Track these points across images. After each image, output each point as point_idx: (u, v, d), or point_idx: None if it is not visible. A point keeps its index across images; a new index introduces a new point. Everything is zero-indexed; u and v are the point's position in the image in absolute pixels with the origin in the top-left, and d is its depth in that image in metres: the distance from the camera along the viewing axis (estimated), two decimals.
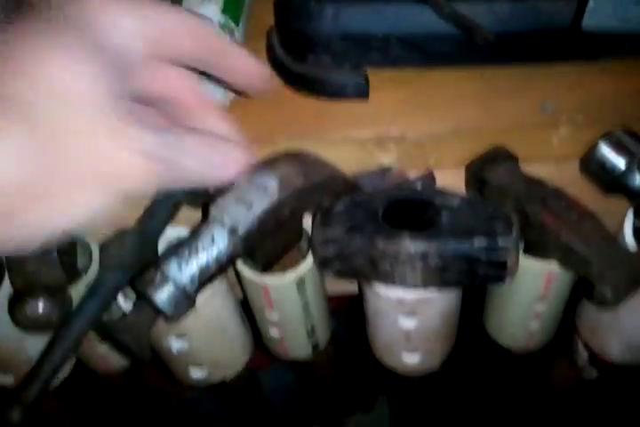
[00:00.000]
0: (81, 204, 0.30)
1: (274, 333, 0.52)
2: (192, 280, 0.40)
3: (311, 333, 0.53)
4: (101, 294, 0.45)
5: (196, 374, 0.54)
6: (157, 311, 0.40)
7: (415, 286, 0.44)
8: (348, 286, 0.55)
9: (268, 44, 0.55)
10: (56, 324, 0.43)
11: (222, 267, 0.41)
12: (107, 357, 0.54)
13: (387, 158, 0.53)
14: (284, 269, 0.47)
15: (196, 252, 0.41)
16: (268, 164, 0.44)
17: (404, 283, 0.44)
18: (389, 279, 0.44)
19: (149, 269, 0.41)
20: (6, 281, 0.47)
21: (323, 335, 0.55)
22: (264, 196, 0.42)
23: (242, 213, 0.41)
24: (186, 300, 0.40)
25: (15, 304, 0.42)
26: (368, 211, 0.43)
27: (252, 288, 0.47)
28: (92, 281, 0.47)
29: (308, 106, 0.53)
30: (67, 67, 0.29)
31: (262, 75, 0.40)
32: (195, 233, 0.42)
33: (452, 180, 0.51)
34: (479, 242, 0.41)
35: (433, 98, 0.52)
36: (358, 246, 0.42)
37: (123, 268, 0.45)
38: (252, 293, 0.48)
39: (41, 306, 0.42)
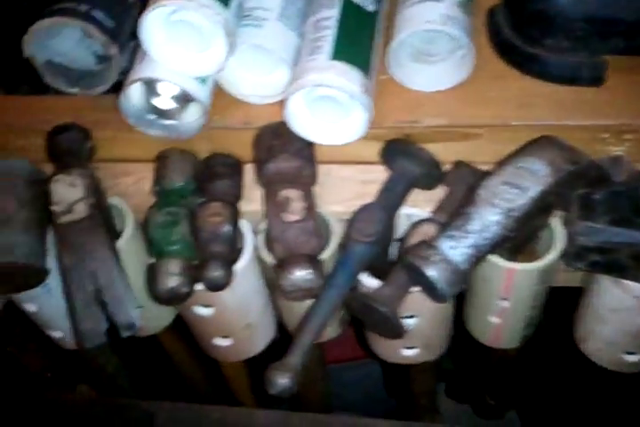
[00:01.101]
0: None
1: (494, 320, 0.52)
2: (465, 260, 0.41)
3: (529, 323, 0.53)
4: (351, 266, 0.46)
5: (408, 352, 0.55)
6: (430, 288, 0.41)
7: None
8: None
9: (491, 22, 0.55)
10: (316, 293, 0.45)
11: (493, 247, 0.42)
12: None
13: (618, 148, 0.52)
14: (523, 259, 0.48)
15: (468, 232, 0.41)
16: (531, 148, 0.44)
17: None
18: None
19: (422, 246, 0.42)
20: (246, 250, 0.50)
21: (533, 327, 0.55)
22: (536, 180, 0.42)
23: (515, 196, 0.42)
24: (458, 279, 0.41)
25: (281, 273, 0.44)
26: (633, 202, 0.43)
27: (491, 274, 0.48)
28: (333, 253, 0.49)
29: (537, 89, 0.52)
30: None
31: None
32: (463, 214, 0.42)
33: None
34: None
35: None
36: (625, 239, 0.42)
37: (371, 241, 0.46)
38: (490, 278, 0.49)
39: (306, 274, 0.44)
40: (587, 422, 0.68)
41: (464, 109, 0.53)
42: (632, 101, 0.51)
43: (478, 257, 0.41)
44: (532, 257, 0.49)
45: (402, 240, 0.48)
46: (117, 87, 0.52)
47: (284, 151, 0.50)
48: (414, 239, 0.46)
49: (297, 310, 0.53)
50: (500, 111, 0.52)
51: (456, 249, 0.41)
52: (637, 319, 0.46)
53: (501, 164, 0.44)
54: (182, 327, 0.62)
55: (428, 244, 0.41)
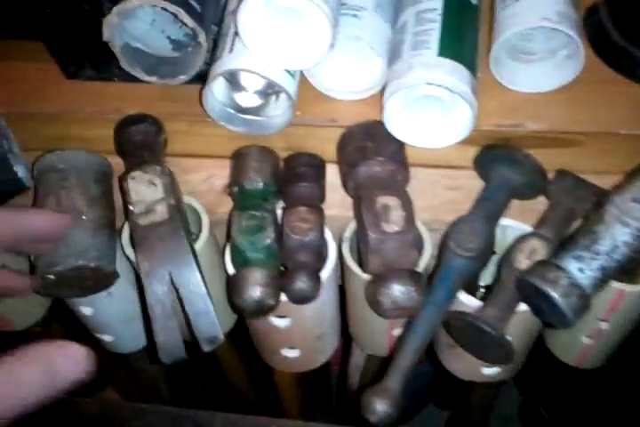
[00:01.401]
0: None
1: (586, 340, 0.49)
2: (592, 284, 0.38)
3: (619, 344, 0.50)
4: (450, 282, 0.43)
5: (488, 371, 0.52)
6: (551, 313, 0.38)
7: None
8: None
9: (592, 20, 0.51)
10: (415, 311, 0.41)
11: (621, 269, 0.39)
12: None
13: None
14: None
15: (597, 253, 0.38)
16: None
17: None
18: None
19: (547, 266, 0.38)
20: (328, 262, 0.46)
21: (618, 347, 0.53)
22: None
23: None
24: (585, 304, 0.38)
25: (379, 288, 0.41)
26: None
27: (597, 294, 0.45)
28: (428, 267, 0.45)
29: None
30: None
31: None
32: (591, 233, 0.39)
33: None
34: None
35: None
36: None
37: (472, 256, 0.43)
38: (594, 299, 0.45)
39: (409, 291, 0.40)
40: None
41: (568, 114, 0.49)
42: None
43: (604, 281, 0.38)
44: (635, 278, 0.46)
45: (505, 256, 0.44)
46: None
47: (378, 154, 0.46)
48: (522, 256, 0.43)
49: (371, 322, 0.50)
50: (607, 118, 0.48)
51: (584, 272, 0.37)
52: None
53: (629, 178, 0.40)
54: (236, 333, 0.59)
55: (554, 264, 0.38)
